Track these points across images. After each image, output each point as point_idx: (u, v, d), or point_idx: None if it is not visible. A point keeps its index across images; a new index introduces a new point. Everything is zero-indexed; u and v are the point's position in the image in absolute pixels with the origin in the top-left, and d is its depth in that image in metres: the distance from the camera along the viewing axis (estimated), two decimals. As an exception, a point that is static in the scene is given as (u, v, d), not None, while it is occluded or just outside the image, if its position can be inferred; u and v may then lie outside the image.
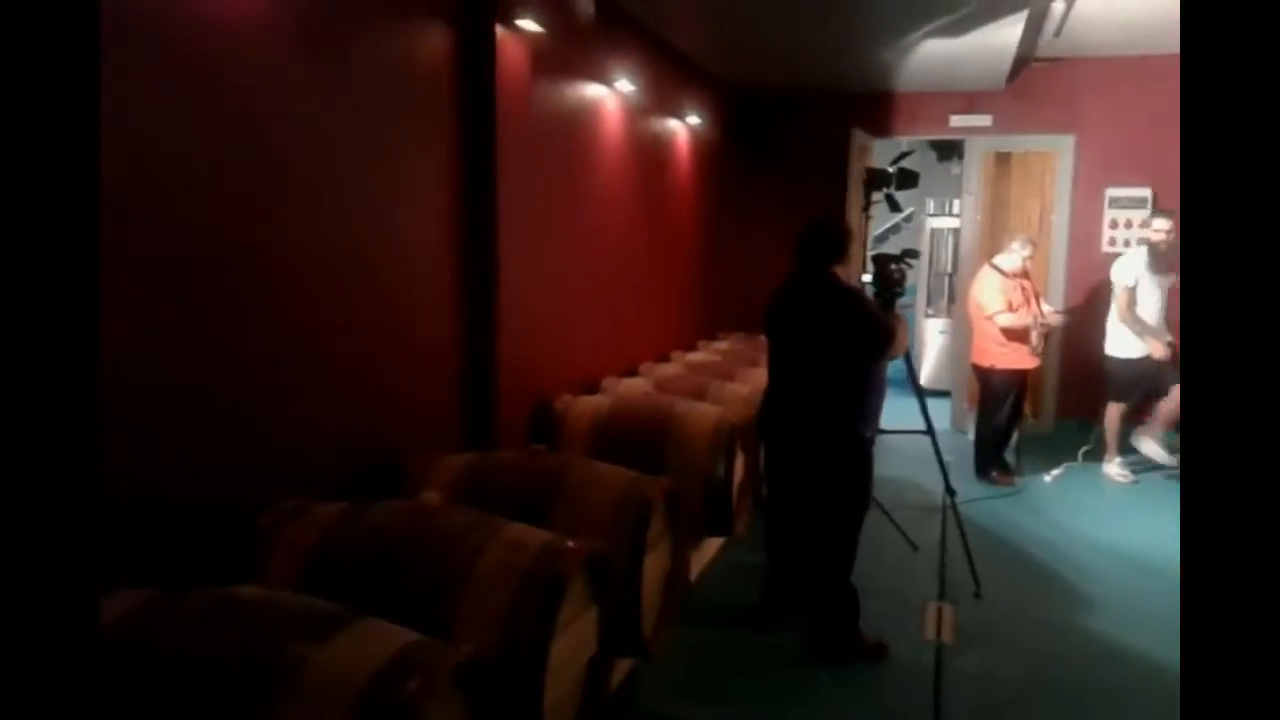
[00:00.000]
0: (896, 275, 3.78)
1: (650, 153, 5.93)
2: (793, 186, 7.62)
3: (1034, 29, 5.79)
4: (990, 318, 5.80)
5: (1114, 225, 7.07)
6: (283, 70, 2.74)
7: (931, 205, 9.72)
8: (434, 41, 3.55)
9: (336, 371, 3.05)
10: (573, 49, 4.61)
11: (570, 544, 2.41)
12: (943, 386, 8.48)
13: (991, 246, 7.51)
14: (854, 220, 5.67)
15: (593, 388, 4.92)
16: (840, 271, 3.45)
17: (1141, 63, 6.86)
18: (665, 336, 6.32)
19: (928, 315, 9.38)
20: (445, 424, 3.74)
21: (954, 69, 6.42)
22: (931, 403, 8.32)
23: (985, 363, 5.95)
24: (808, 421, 3.48)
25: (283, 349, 2.78)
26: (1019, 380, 5.88)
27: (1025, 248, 5.87)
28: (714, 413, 4.23)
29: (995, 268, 5.90)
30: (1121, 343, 5.92)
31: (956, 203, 9.33)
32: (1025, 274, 5.94)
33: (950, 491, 4.30)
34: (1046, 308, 5.99)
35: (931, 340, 9.30)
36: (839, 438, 3.45)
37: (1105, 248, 7.11)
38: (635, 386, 4.92)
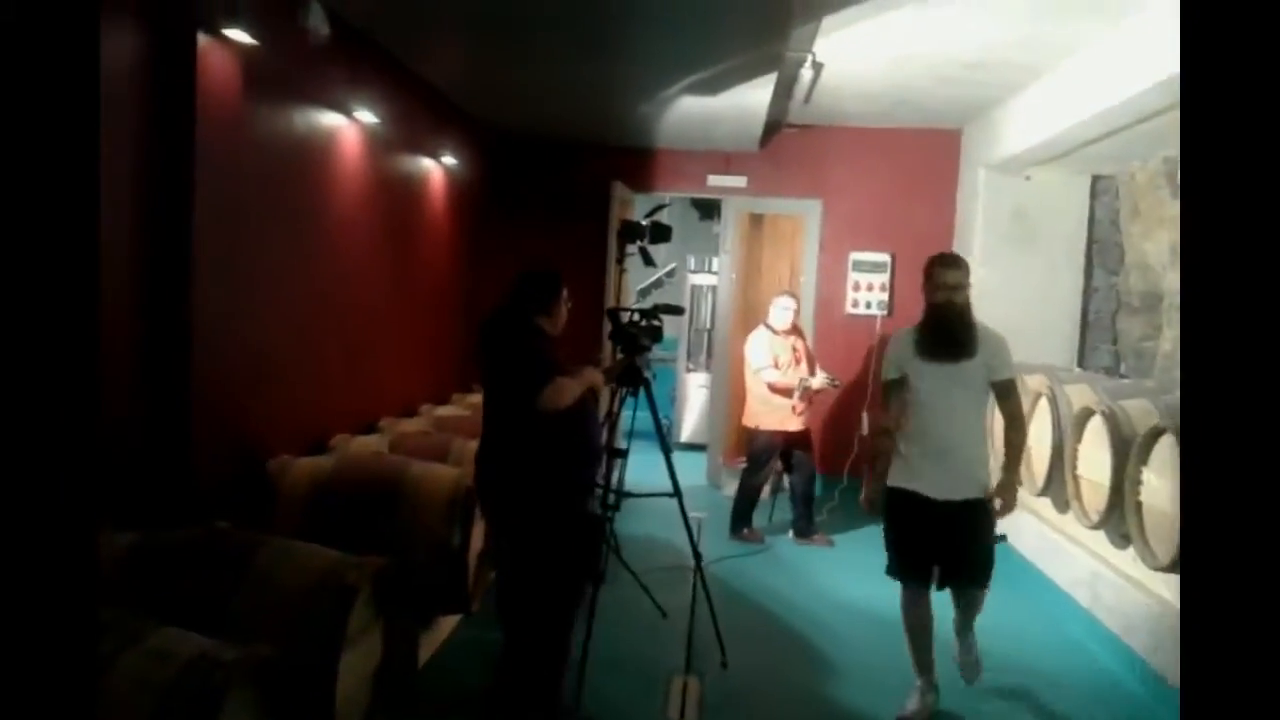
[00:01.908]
0: (633, 329, 3.62)
1: (398, 191, 5.53)
2: (554, 236, 7.43)
3: (784, 93, 5.95)
4: (756, 373, 5.81)
5: (856, 288, 7.39)
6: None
7: (692, 262, 9.90)
8: (119, 49, 3.02)
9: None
10: (302, 70, 4.16)
11: (233, 654, 1.96)
12: (702, 441, 8.57)
13: (745, 304, 7.68)
14: (610, 273, 5.54)
15: (320, 447, 4.41)
16: (547, 323, 3.32)
17: (884, 134, 7.27)
18: (413, 389, 5.88)
19: (689, 370, 9.46)
20: (120, 492, 3.13)
21: (711, 129, 6.49)
22: (691, 458, 8.64)
23: (750, 422, 5.94)
24: (496, 474, 3.30)
25: None
26: (780, 441, 5.85)
27: (792, 301, 5.97)
28: (450, 475, 3.86)
29: (767, 326, 5.95)
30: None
31: (716, 260, 9.56)
32: (797, 331, 6.03)
33: (696, 557, 4.14)
34: (820, 373, 5.99)
35: (693, 394, 9.36)
36: (527, 496, 3.23)
37: (849, 309, 7.41)
38: (367, 445, 4.45)
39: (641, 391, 3.81)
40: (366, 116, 4.72)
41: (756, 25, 4.21)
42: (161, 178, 3.21)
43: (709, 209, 10.50)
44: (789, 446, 5.90)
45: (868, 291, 7.36)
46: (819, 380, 5.90)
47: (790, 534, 6.01)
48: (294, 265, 4.24)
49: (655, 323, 3.76)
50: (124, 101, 3.04)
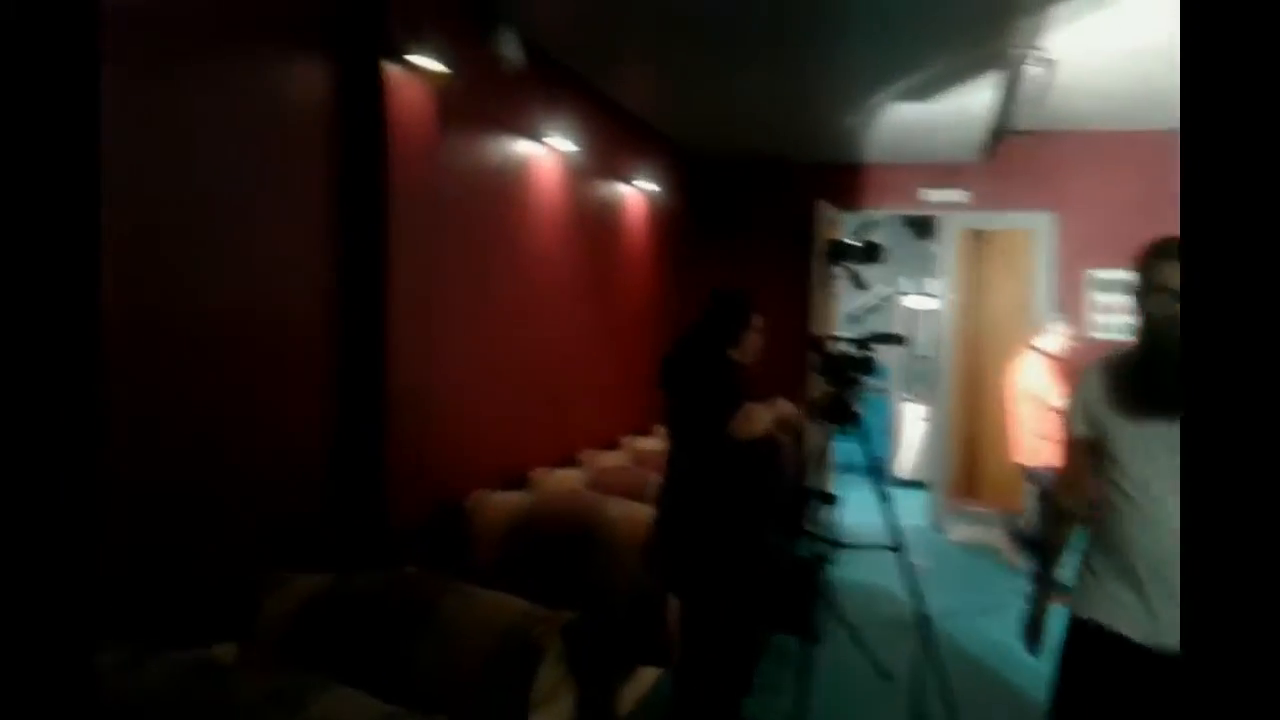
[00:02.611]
0: (840, 361, 3.25)
1: (597, 218, 5.42)
2: (755, 260, 7.11)
3: (1010, 96, 5.37)
4: (1054, 407, 4.99)
5: (1098, 310, 6.59)
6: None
7: (908, 284, 9.29)
8: (308, 80, 3.02)
9: (158, 465, 2.42)
10: (496, 99, 4.10)
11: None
12: (921, 477, 7.95)
13: (970, 330, 7.04)
14: (815, 297, 5.17)
15: (519, 481, 4.30)
16: (735, 352, 3.12)
17: (1128, 137, 6.46)
18: (614, 420, 5.72)
19: (905, 400, 8.83)
20: (312, 532, 3.09)
21: (926, 139, 5.99)
22: (910, 497, 8.00)
23: (1030, 460, 5.27)
24: (678, 514, 3.14)
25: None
26: None
27: (1069, 328, 5.39)
28: (648, 515, 3.60)
29: (1038, 350, 5.35)
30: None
31: (932, 282, 8.91)
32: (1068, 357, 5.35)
33: (923, 619, 3.65)
34: None
35: (911, 427, 8.73)
36: (712, 537, 3.01)
37: (1090, 333, 6.60)
38: (566, 481, 4.29)
39: (851, 429, 3.41)
40: (562, 143, 4.63)
41: (976, 19, 3.75)
42: (355, 212, 3.18)
43: (925, 226, 9.82)
44: None
45: (1111, 314, 6.54)
46: None
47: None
48: (489, 296, 4.17)
49: (866, 353, 3.37)
50: (313, 136, 3.03)
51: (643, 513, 3.65)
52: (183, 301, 2.52)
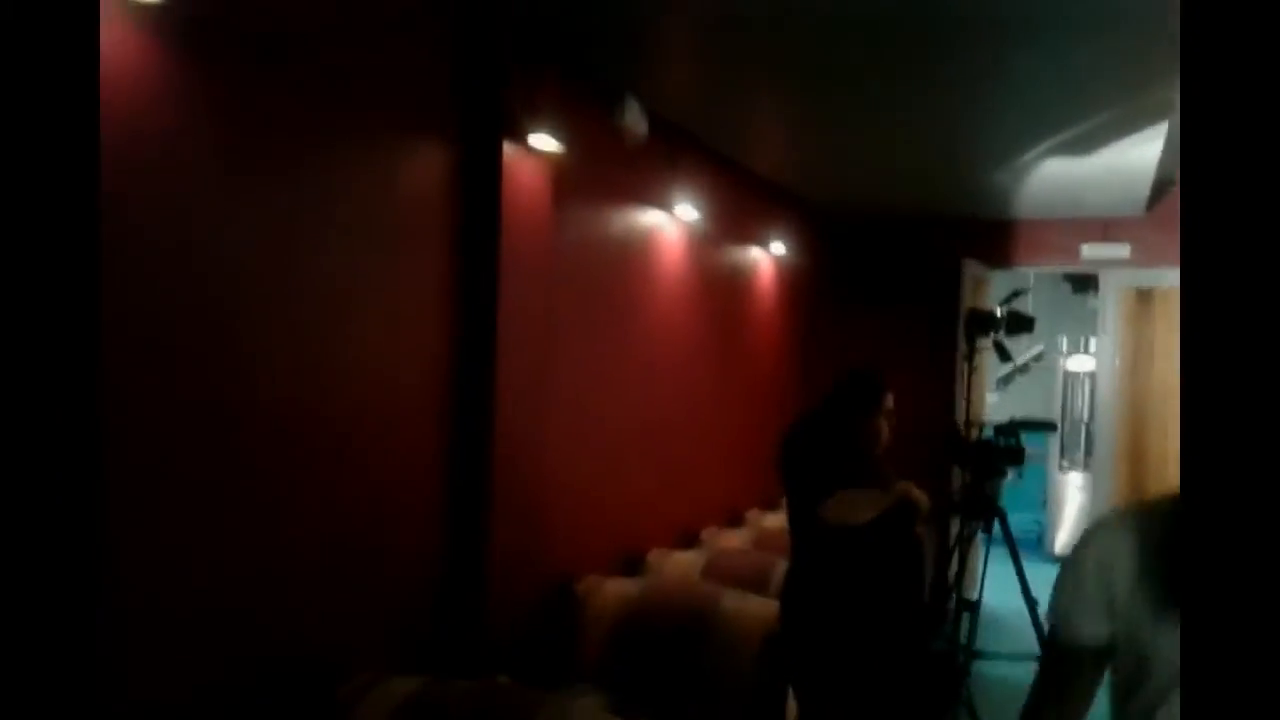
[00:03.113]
0: (985, 450, 2.93)
1: (722, 285, 5.25)
2: (895, 323, 6.76)
3: (1175, 150, 4.90)
4: None
5: None
6: (230, 194, 2.21)
7: (1065, 343, 8.67)
8: (429, 163, 3.00)
9: (270, 555, 2.39)
10: (616, 170, 4.02)
11: None
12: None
13: (1134, 395, 6.45)
14: (959, 370, 4.79)
15: (635, 564, 4.13)
16: (863, 435, 2.92)
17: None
18: (740, 494, 5.48)
19: (1063, 469, 8.18)
20: (417, 623, 3.02)
21: (1083, 193, 5.55)
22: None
23: None
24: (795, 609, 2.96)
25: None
26: None
27: None
28: (765, 611, 3.35)
29: None
30: None
31: (1093, 340, 8.27)
32: None
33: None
34: None
35: (1070, 497, 8.08)
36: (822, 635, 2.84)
37: None
38: (683, 565, 4.09)
39: (996, 526, 3.08)
40: (687, 212, 4.50)
41: (1141, 67, 3.40)
42: (469, 294, 3.13)
43: (1084, 281, 9.19)
44: None
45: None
46: None
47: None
48: (608, 369, 4.05)
49: (1012, 442, 3.03)
50: (433, 221, 3.01)
51: (760, 606, 3.42)
52: (300, 392, 2.50)
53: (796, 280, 6.40)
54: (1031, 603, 3.15)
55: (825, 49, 3.31)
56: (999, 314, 3.83)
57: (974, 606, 3.12)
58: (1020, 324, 3.79)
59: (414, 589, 3.00)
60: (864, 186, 5.95)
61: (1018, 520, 3.11)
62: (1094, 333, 7.93)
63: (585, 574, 3.73)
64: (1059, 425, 3.52)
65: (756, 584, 3.83)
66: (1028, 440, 7.85)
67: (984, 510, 3.07)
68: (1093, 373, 8.27)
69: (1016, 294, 3.88)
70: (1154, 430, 6.39)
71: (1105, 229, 6.38)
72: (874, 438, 2.97)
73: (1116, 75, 3.49)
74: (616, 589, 3.56)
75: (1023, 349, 8.45)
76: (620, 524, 4.19)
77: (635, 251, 4.23)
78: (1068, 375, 8.48)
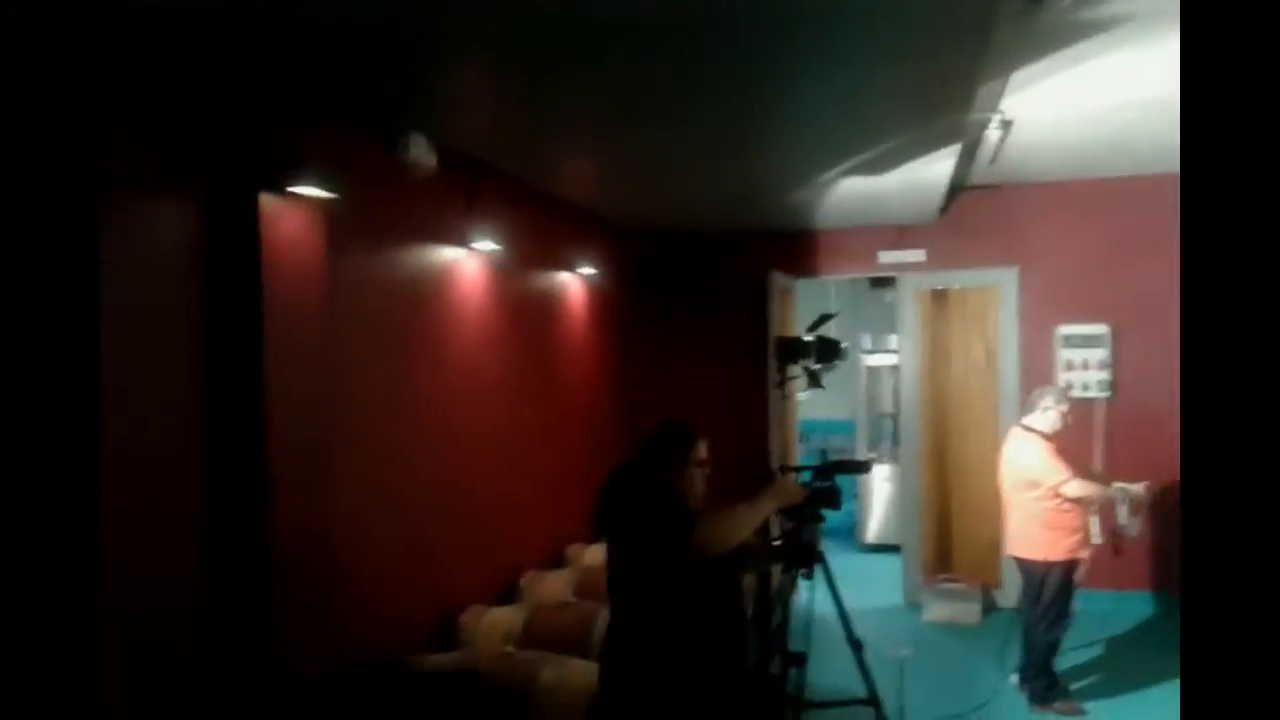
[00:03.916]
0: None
1: (530, 314, 5.01)
2: (711, 336, 6.76)
3: (966, 157, 5.07)
4: (1057, 491, 4.49)
5: (1068, 367, 6.27)
6: None
7: (869, 340, 8.96)
8: (171, 223, 2.59)
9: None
10: (406, 209, 3.70)
11: None
12: (892, 541, 7.58)
13: (935, 391, 6.71)
14: (771, 395, 4.78)
15: (448, 627, 3.84)
16: (681, 480, 2.73)
17: (1088, 186, 6.20)
18: (561, 530, 5.26)
19: (872, 460, 8.47)
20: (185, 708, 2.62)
21: (880, 205, 5.67)
22: (880, 563, 7.60)
23: (1032, 554, 4.60)
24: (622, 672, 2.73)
25: None
26: (1072, 573, 4.61)
27: (1062, 403, 4.66)
28: (588, 680, 3.14)
29: (1032, 430, 4.66)
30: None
31: (894, 336, 8.60)
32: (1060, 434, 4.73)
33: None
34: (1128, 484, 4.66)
35: (877, 488, 8.35)
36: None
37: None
38: (501, 626, 3.82)
39: (818, 572, 3.00)
40: (486, 245, 4.22)
41: (936, 100, 3.42)
42: (227, 347, 2.74)
43: (883, 279, 9.55)
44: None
45: (1083, 370, 6.22)
46: (1139, 488, 4.58)
47: (1018, 686, 4.88)
48: (406, 421, 3.73)
49: (827, 484, 2.96)
50: (179, 279, 2.61)
51: (582, 673, 3.22)
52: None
53: (609, 303, 6.25)
54: (857, 646, 3.11)
55: (620, 79, 3.13)
56: (808, 341, 3.79)
57: (800, 658, 3.05)
58: (830, 351, 3.76)
59: (184, 666, 2.60)
60: (669, 207, 5.86)
61: (830, 512, 3.03)
62: (894, 329, 8.24)
63: (397, 645, 3.41)
64: (870, 465, 3.50)
65: (580, 640, 3.63)
66: (838, 429, 8.03)
67: (804, 556, 2.99)
68: (894, 366, 8.60)
69: (825, 318, 3.84)
70: (954, 423, 6.67)
71: (900, 235, 6.59)
72: (690, 488, 2.81)
73: (907, 105, 3.50)
74: (427, 666, 3.27)
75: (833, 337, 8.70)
76: (433, 583, 3.89)
77: (431, 290, 3.92)
78: (869, 370, 8.78)
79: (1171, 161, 5.86)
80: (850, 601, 3.14)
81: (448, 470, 4.04)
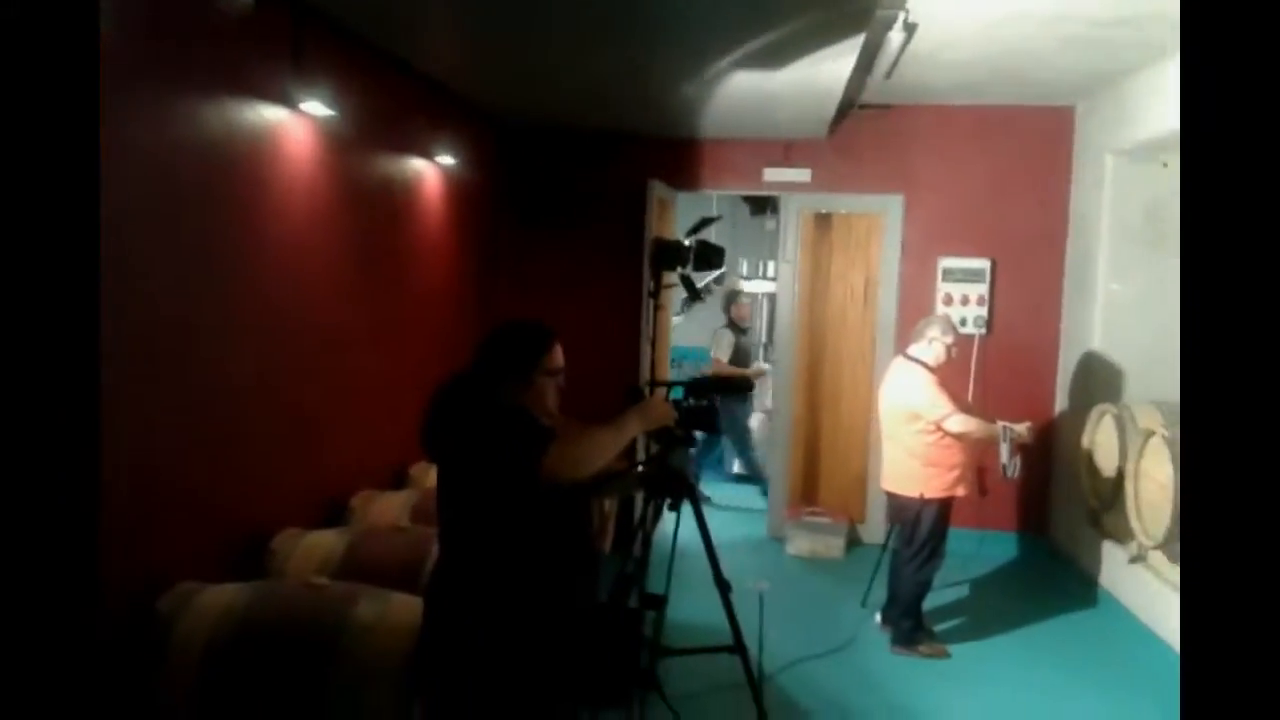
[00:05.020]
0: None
1: (374, 199, 4.37)
2: (583, 246, 6.27)
3: (864, 66, 4.68)
4: (938, 425, 4.26)
5: (948, 301, 6.09)
6: None
7: (744, 266, 8.65)
8: None
9: None
10: (210, 53, 3.01)
11: None
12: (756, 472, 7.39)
13: (812, 321, 6.44)
14: (644, 299, 4.33)
15: (253, 556, 3.29)
16: (527, 398, 2.33)
17: (980, 113, 5.96)
18: (401, 448, 4.73)
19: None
20: None
21: (770, 112, 5.24)
22: (745, 492, 7.41)
23: (908, 490, 4.40)
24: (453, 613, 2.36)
25: None
26: (948, 512, 4.42)
27: (948, 334, 4.41)
28: (412, 618, 2.67)
29: (916, 361, 4.40)
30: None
31: (772, 264, 8.31)
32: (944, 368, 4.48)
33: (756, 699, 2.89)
34: (1008, 423, 4.40)
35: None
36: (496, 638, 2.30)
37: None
38: (319, 552, 3.30)
39: (686, 505, 2.61)
40: (316, 109, 3.57)
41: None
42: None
43: (762, 203, 9.21)
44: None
45: (962, 306, 6.05)
46: (1022, 427, 4.36)
47: (881, 626, 4.69)
48: (210, 320, 3.10)
49: (703, 403, 2.55)
50: None
51: (406, 611, 2.74)
52: None
53: (470, 198, 5.64)
54: (724, 587, 2.74)
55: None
56: (687, 245, 3.35)
57: (659, 600, 2.67)
58: (710, 257, 3.33)
59: None
60: (547, 97, 5.29)
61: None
62: (772, 256, 7.95)
63: (181, 580, 2.85)
64: (753, 384, 3.11)
65: (409, 573, 3.15)
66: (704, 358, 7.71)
67: (672, 485, 2.59)
68: (771, 294, 8.33)
69: (706, 222, 3.42)
70: (829, 354, 6.43)
71: (787, 152, 6.22)
72: (538, 401, 2.36)
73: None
74: (215, 600, 2.72)
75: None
76: (238, 501, 3.31)
77: (244, 154, 3.25)
78: (748, 297, 8.49)
79: (1061, 95, 5.75)
80: (714, 534, 2.78)
81: (263, 370, 3.44)
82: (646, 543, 2.70)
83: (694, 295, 3.43)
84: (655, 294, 3.43)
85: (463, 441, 2.30)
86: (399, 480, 4.57)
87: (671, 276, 3.47)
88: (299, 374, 3.70)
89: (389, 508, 3.94)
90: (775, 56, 3.92)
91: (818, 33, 3.55)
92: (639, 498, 2.70)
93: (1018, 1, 3.83)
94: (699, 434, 2.63)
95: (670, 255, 3.33)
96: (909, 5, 3.91)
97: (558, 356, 2.39)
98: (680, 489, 2.61)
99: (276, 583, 2.99)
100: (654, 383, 2.65)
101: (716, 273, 9.04)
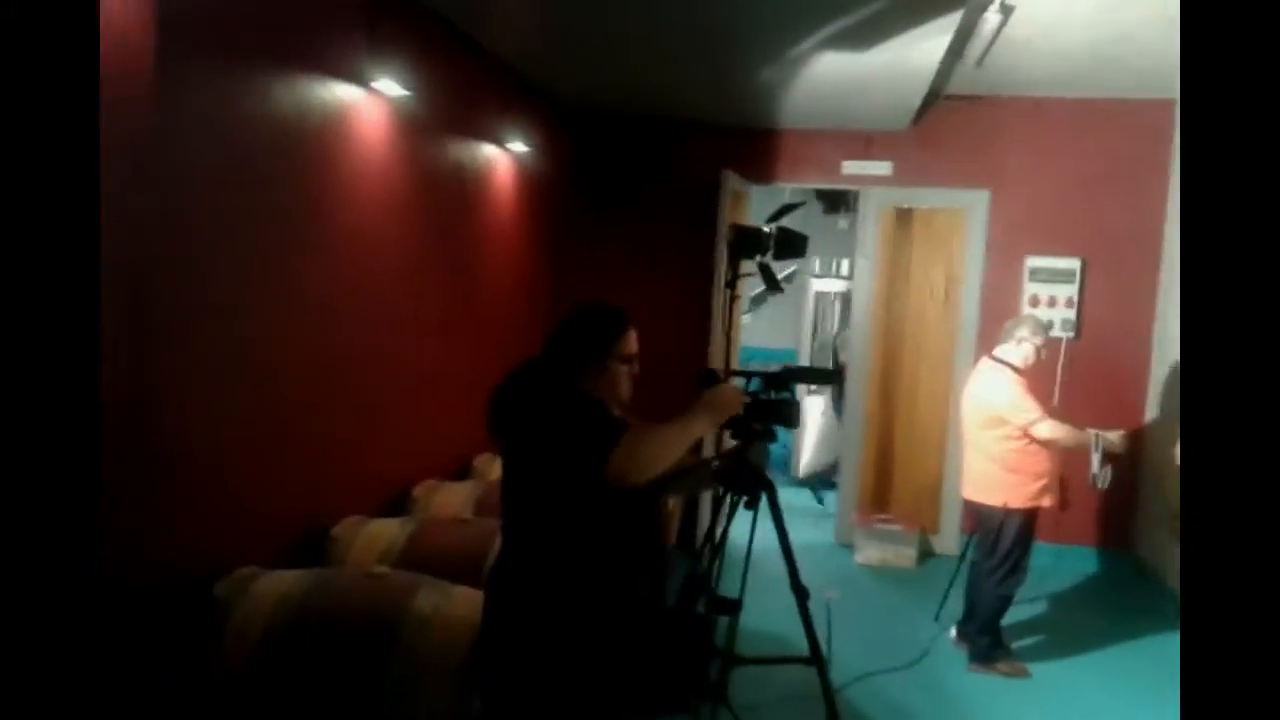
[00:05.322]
0: (750, 406, 2.29)
1: (447, 184, 4.30)
2: (655, 237, 6.14)
3: (957, 49, 4.46)
4: (1025, 431, 4.03)
5: (1035, 302, 5.81)
6: None
7: (817, 264, 8.43)
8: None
9: None
10: (275, 24, 2.95)
11: None
12: (824, 475, 7.17)
13: (890, 319, 6.20)
14: (717, 296, 4.17)
15: (317, 540, 3.23)
16: (598, 385, 2.20)
17: (1076, 107, 5.67)
18: (468, 438, 4.65)
19: (810, 392, 7.99)
20: None
21: (852, 100, 5.05)
22: (810, 496, 7.16)
23: (991, 499, 4.16)
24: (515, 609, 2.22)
25: None
26: (1033, 524, 4.17)
27: (1038, 335, 4.18)
28: (473, 611, 2.56)
29: (1004, 363, 4.18)
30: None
31: (845, 263, 8.08)
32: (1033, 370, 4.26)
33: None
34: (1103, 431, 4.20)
35: (811, 421, 7.90)
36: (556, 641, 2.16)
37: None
38: (380, 541, 3.21)
39: (764, 502, 2.45)
40: (391, 88, 3.50)
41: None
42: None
43: (836, 200, 8.94)
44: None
45: (1049, 307, 5.76)
46: (1115, 436, 4.15)
47: (956, 642, 4.46)
48: (274, 301, 3.04)
49: (784, 395, 2.39)
50: None
51: (468, 604, 2.63)
52: None
53: (542, 186, 5.56)
54: (801, 593, 2.57)
55: None
56: (767, 232, 3.19)
57: (732, 604, 2.52)
58: (792, 245, 3.17)
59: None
60: (620, 82, 5.17)
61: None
62: (844, 254, 7.72)
63: (249, 557, 2.79)
64: (840, 375, 2.90)
65: (472, 565, 3.05)
66: (777, 356, 7.52)
67: (749, 482, 2.43)
68: (843, 294, 8.10)
69: (789, 208, 3.26)
70: (906, 355, 6.19)
71: (868, 143, 6.00)
72: (611, 388, 2.23)
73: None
74: (272, 587, 2.65)
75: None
76: (301, 486, 3.25)
77: (316, 133, 3.19)
78: (818, 296, 8.28)
79: (1163, 87, 5.44)
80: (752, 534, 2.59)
81: (330, 354, 3.38)
82: (720, 543, 2.55)
83: (773, 285, 3.28)
84: (732, 283, 3.28)
85: (529, 428, 2.18)
86: (464, 471, 4.49)
87: (750, 265, 3.32)
88: (365, 361, 3.63)
89: (452, 499, 3.86)
90: (864, 37, 3.74)
91: (912, 10, 3.35)
92: (708, 494, 2.55)
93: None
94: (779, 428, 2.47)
95: (750, 242, 3.19)
96: (1008, -14, 3.70)
97: (632, 342, 2.26)
98: (758, 486, 2.45)
99: (336, 571, 2.91)
100: (730, 372, 2.50)
101: (793, 267, 8.83)
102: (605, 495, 2.06)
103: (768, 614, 3.11)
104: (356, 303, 3.53)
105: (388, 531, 3.28)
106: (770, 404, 2.37)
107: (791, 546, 2.54)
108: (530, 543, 2.22)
